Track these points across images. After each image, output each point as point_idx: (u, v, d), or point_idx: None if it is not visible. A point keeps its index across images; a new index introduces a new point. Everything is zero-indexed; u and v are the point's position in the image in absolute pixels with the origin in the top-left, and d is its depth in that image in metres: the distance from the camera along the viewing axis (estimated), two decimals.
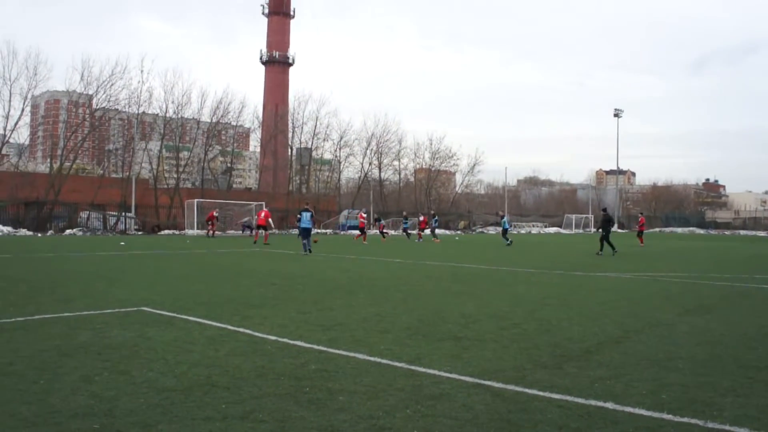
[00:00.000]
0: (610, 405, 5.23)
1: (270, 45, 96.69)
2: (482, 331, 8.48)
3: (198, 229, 48.46)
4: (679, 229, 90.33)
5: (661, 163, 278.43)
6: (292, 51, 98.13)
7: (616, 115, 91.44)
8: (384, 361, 6.68)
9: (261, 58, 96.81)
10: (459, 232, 68.76)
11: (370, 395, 5.43)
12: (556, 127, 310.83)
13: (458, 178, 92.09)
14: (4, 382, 5.61)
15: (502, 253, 28.67)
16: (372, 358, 6.77)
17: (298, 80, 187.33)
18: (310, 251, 24.90)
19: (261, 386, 5.64)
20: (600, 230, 28.18)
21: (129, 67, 73.78)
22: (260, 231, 34.11)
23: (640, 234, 39.42)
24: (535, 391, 5.60)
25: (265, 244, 32.10)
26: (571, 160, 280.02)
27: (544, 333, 8.46)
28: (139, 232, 49.33)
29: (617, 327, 9.08)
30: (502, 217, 41.20)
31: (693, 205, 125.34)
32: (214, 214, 42.42)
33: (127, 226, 49.50)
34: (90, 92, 57.26)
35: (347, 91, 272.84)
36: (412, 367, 6.42)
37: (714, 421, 4.89)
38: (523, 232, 76.88)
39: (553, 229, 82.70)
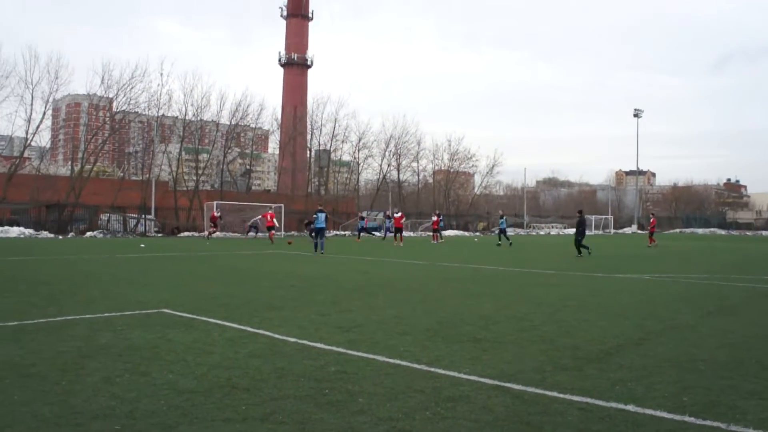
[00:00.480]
0: (631, 407, 5.20)
1: (288, 47, 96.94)
2: (502, 333, 8.46)
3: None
4: (700, 230, 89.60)
5: (681, 163, 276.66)
6: (311, 53, 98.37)
7: (635, 115, 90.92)
8: (403, 362, 6.68)
9: (280, 61, 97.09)
10: (478, 233, 68.58)
11: (389, 397, 5.42)
12: (575, 128, 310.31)
13: (477, 179, 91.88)
14: (26, 383, 5.66)
15: (521, 255, 28.60)
16: (391, 360, 6.77)
17: (316, 82, 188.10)
18: (322, 252, 25.83)
19: (281, 388, 5.65)
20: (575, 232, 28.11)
21: (149, 71, 74.66)
22: (273, 232, 37.73)
23: (651, 234, 41.18)
24: (555, 393, 5.58)
25: (271, 243, 34.24)
26: (590, 160, 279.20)
27: (563, 335, 8.43)
28: (159, 234, 49.57)
29: (638, 329, 9.02)
30: (502, 216, 41.02)
31: (714, 206, 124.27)
32: (216, 214, 42.22)
33: (147, 228, 49.76)
34: (110, 95, 57.66)
35: (365, 93, 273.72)
36: (432, 369, 6.41)
37: (737, 424, 4.85)
38: (542, 233, 76.61)
39: (572, 230, 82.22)
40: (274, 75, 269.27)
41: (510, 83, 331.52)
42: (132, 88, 55.74)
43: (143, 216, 50.55)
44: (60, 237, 42.70)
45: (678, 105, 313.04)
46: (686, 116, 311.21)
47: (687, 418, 4.97)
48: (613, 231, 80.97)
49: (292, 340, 7.80)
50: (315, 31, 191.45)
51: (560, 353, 7.24)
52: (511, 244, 37.71)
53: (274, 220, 39.01)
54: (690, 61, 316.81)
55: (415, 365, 6.57)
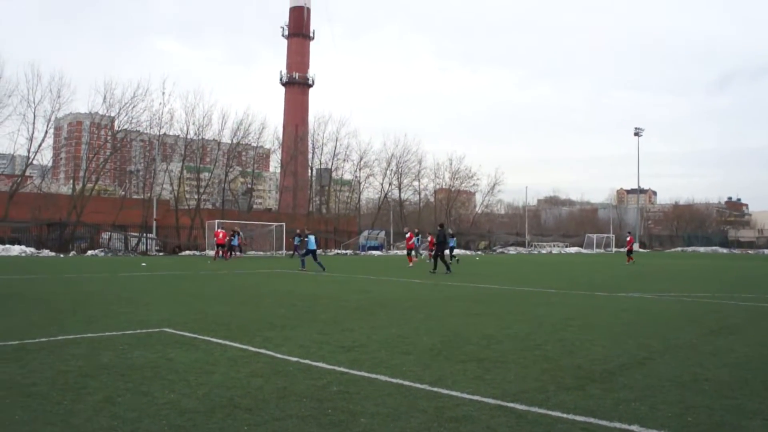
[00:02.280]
0: (635, 428, 5.17)
1: (290, 66, 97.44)
2: (504, 352, 8.43)
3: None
4: (702, 249, 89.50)
5: (682, 182, 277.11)
6: (312, 72, 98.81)
7: (636, 134, 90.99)
8: (406, 382, 6.65)
9: (281, 80, 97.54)
10: (479, 252, 68.52)
11: (392, 417, 5.40)
12: (576, 147, 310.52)
13: (478, 198, 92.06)
14: (27, 403, 5.64)
15: (523, 274, 28.56)
16: (394, 380, 6.74)
17: (317, 101, 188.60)
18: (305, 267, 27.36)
19: (283, 408, 5.63)
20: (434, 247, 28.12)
21: (150, 89, 74.86)
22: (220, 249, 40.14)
23: (629, 253, 41.85)
24: (558, 413, 5.55)
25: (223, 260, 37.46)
26: (591, 179, 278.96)
27: (566, 354, 8.40)
28: (161, 253, 49.56)
29: (641, 348, 8.99)
30: (453, 236, 40.59)
31: (715, 224, 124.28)
32: (226, 235, 41.81)
33: (148, 247, 49.77)
34: (112, 114, 57.96)
35: (366, 112, 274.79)
36: (435, 389, 6.38)
37: None
38: (543, 252, 76.53)
39: (573, 249, 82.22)
40: (275, 94, 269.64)
41: (510, 102, 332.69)
42: (134, 107, 56.09)
43: (144, 235, 50.60)
44: (61, 255, 42.71)
45: (679, 124, 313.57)
46: (687, 135, 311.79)
47: None
48: (614, 249, 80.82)
49: (294, 359, 7.77)
50: (316, 50, 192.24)
51: (563, 373, 7.21)
52: (458, 261, 37.03)
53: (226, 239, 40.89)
54: (691, 80, 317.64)
55: (418, 385, 6.54)
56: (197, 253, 49.71)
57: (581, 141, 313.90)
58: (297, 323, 11.08)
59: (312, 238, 28.94)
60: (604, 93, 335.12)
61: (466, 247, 70.28)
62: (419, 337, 9.66)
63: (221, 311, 12.69)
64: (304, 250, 29.36)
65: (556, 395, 6.20)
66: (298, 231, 34.00)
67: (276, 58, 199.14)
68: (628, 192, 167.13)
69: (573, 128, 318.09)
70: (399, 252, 59.44)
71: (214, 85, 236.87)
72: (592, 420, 5.36)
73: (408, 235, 37.16)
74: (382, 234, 65.43)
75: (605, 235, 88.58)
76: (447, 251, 40.34)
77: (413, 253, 35.91)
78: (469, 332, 10.23)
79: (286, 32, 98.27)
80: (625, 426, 5.21)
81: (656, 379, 6.95)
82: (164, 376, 6.79)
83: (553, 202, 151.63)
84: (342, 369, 7.25)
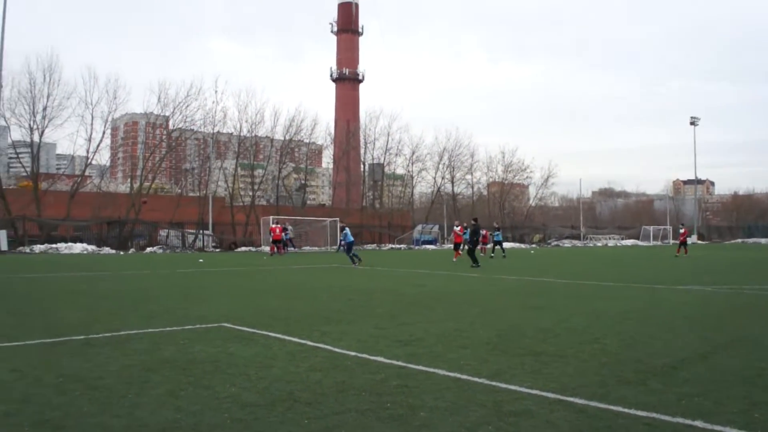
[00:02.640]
0: (699, 423, 5.07)
1: (340, 62, 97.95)
2: (562, 346, 8.35)
3: None
4: (763, 240, 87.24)
5: (741, 171, 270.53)
6: (362, 67, 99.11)
7: (692, 123, 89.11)
8: (464, 376, 6.64)
9: (331, 76, 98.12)
10: (534, 245, 67.98)
11: (451, 411, 5.40)
12: (630, 137, 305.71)
13: (531, 190, 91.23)
14: (95, 396, 5.78)
15: (579, 267, 28.24)
16: (452, 374, 6.74)
17: (368, 96, 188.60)
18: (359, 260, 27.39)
19: (342, 402, 5.67)
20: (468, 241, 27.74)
21: (203, 88, 75.66)
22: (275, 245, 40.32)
23: (683, 245, 40.02)
24: (619, 408, 5.47)
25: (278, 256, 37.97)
26: (646, 170, 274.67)
27: (626, 348, 8.29)
28: (217, 249, 50.25)
29: (703, 342, 8.83)
30: (497, 228, 40.14)
31: None
32: (274, 227, 41.79)
33: (205, 244, 50.50)
34: (167, 113, 59.01)
35: (417, 106, 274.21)
36: (493, 383, 6.36)
37: None
38: (599, 244, 75.59)
39: (630, 241, 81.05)
40: (326, 90, 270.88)
41: (562, 93, 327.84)
42: (187, 106, 57.03)
43: (201, 231, 51.32)
44: (121, 253, 43.61)
45: (736, 112, 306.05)
46: (745, 123, 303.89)
47: None
48: (671, 241, 79.37)
49: (353, 353, 7.82)
50: (365, 45, 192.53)
51: (623, 367, 7.11)
52: (504, 256, 36.98)
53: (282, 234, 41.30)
54: (748, 67, 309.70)
55: (476, 379, 6.53)
56: (253, 249, 50.25)
57: (635, 131, 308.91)
58: (354, 317, 11.14)
59: (348, 230, 29.22)
60: (659, 82, 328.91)
61: (521, 241, 69.88)
62: (475, 331, 9.63)
63: (278, 306, 12.82)
64: (345, 245, 29.18)
65: (616, 390, 6.12)
66: (341, 225, 34.03)
67: (325, 55, 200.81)
68: (685, 183, 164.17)
69: (628, 118, 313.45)
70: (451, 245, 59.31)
71: (266, 83, 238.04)
72: (654, 415, 5.27)
73: (458, 228, 35.01)
74: (436, 228, 65.31)
75: (662, 227, 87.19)
76: (489, 245, 39.98)
77: (461, 247, 34.80)
78: (525, 326, 10.17)
79: (335, 28, 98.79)
80: (688, 421, 5.12)
81: (719, 374, 6.82)
82: (224, 370, 6.89)
83: (607, 194, 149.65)
84: (400, 363, 7.27)
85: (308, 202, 79.06)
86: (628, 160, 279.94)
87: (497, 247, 38.39)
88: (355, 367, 7.12)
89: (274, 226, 41.11)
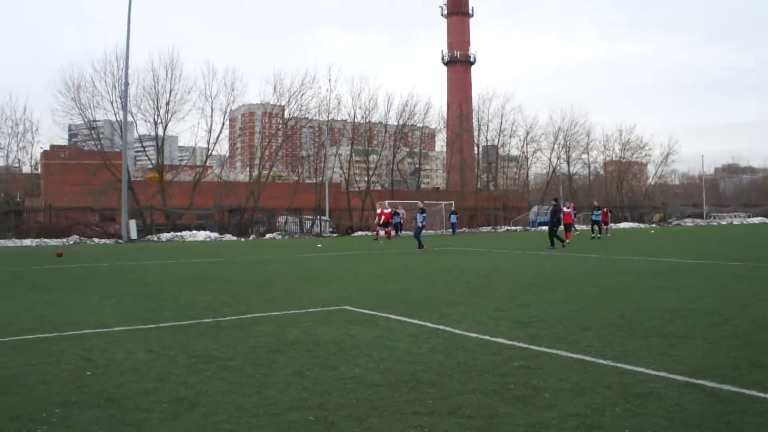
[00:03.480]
0: None
1: (450, 45, 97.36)
2: (689, 328, 8.06)
3: None
4: None
5: None
6: (473, 49, 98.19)
7: None
8: (587, 358, 6.51)
9: (442, 59, 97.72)
10: (654, 225, 65.89)
11: (576, 392, 5.30)
12: (756, 110, 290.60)
13: (650, 169, 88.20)
14: (225, 375, 5.98)
15: (703, 247, 27.17)
16: (575, 355, 6.62)
17: (479, 78, 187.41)
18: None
19: (465, 382, 5.66)
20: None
21: (317, 77, 76.90)
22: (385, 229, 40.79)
23: None
24: (754, 392, 5.22)
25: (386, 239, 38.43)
26: None
27: (758, 330, 7.92)
28: (334, 234, 51.12)
29: None
30: (597, 208, 37.91)
31: None
32: (386, 211, 41.78)
33: (322, 229, 51.45)
34: (282, 103, 60.24)
35: (530, 87, 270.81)
36: (618, 365, 6.20)
37: None
38: (723, 222, 72.52)
39: (757, 219, 77.21)
40: (437, 74, 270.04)
41: (680, 67, 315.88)
42: (302, 94, 58.11)
43: (318, 217, 52.32)
44: (242, 239, 44.99)
45: None
46: None
47: None
48: None
49: (473, 335, 7.79)
50: (476, 27, 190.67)
51: (757, 350, 6.79)
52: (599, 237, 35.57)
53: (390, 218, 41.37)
54: None
55: (600, 360, 6.39)
56: (369, 233, 50.84)
57: (761, 104, 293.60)
58: (473, 300, 11.10)
59: (420, 215, 31.17)
60: None
61: (640, 221, 67.88)
62: (597, 312, 9.42)
63: (397, 289, 12.92)
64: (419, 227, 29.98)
65: (750, 373, 5.84)
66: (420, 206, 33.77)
67: (436, 38, 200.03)
68: None
69: (753, 90, 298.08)
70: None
71: (378, 70, 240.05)
72: None
73: (570, 209, 33.70)
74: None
75: None
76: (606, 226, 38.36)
77: (572, 228, 33.61)
78: (649, 307, 9.88)
79: (445, 11, 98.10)
80: None
81: None
82: (348, 351, 7.00)
83: (732, 170, 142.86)
84: (521, 344, 7.20)
85: (423, 185, 79.26)
86: (754, 134, 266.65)
87: (595, 227, 37.01)
88: (476, 348, 7.09)
89: (383, 210, 41.30)
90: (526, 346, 7.13)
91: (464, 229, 54.74)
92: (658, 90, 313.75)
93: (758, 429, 4.46)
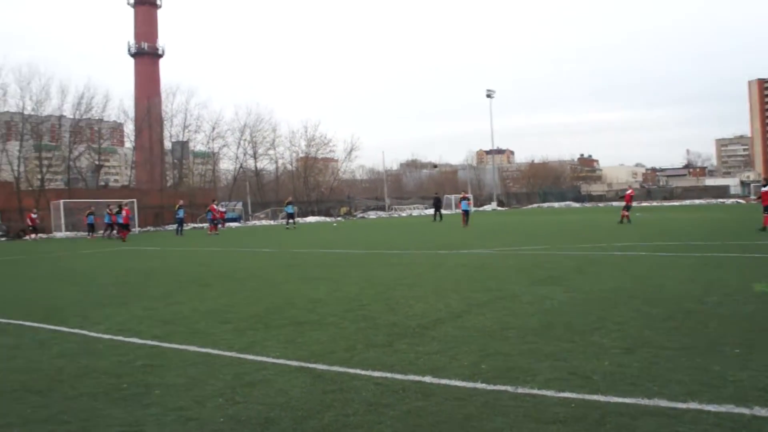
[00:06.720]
0: (428, 379, 5.30)
1: (138, 36, 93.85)
2: (326, 315, 8.48)
3: (67, 231, 46.79)
4: (557, 204, 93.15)
5: (540, 141, 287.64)
6: (162, 42, 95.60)
7: (488, 96, 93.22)
8: (215, 351, 6.65)
9: (129, 50, 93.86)
10: (340, 218, 68.77)
11: (188, 387, 5.41)
12: (432, 111, 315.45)
13: (339, 164, 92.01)
14: None
15: (376, 237, 28.77)
16: (203, 349, 6.77)
17: (170, 72, 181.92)
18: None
19: (77, 387, 5.54)
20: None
21: None
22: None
23: (627, 208, 32.14)
24: (358, 371, 5.62)
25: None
26: (450, 141, 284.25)
27: (386, 312, 8.53)
28: (2, 238, 46.99)
29: (463, 302, 9.23)
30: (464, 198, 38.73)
31: (569, 180, 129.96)
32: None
33: None
34: None
35: (219, 82, 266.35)
36: (242, 355, 6.38)
37: (524, 386, 5.01)
38: (403, 214, 77.65)
39: (432, 210, 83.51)
40: (124, 66, 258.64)
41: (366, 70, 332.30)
42: None
43: None
44: None
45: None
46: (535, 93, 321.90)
47: (479, 385, 5.11)
48: (473, 209, 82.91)
49: (107, 337, 7.54)
50: (165, 19, 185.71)
51: (377, 330, 7.31)
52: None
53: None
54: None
55: (227, 353, 6.49)
56: (43, 235, 47.42)
57: (435, 104, 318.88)
58: (125, 300, 10.78)
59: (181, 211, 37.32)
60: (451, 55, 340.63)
61: (327, 214, 70.46)
62: (245, 306, 9.66)
63: (42, 293, 12.20)
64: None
65: (362, 353, 6.28)
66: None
67: (121, 28, 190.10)
68: (487, 152, 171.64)
69: (428, 90, 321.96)
70: (257, 223, 59.03)
71: (55, 57, 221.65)
72: (388, 375, 5.45)
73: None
74: (239, 205, 64.73)
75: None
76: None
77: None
78: (298, 297, 10.26)
79: (132, 1, 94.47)
80: (418, 378, 5.33)
81: (466, 331, 7.15)
82: None
83: (414, 165, 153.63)
84: (153, 342, 7.16)
85: (111, 183, 75.62)
86: (431, 133, 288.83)
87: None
88: (105, 350, 6.90)
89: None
90: (158, 344, 7.06)
91: (149, 227, 53.01)
92: (344, 89, 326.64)
93: (346, 404, 4.76)
